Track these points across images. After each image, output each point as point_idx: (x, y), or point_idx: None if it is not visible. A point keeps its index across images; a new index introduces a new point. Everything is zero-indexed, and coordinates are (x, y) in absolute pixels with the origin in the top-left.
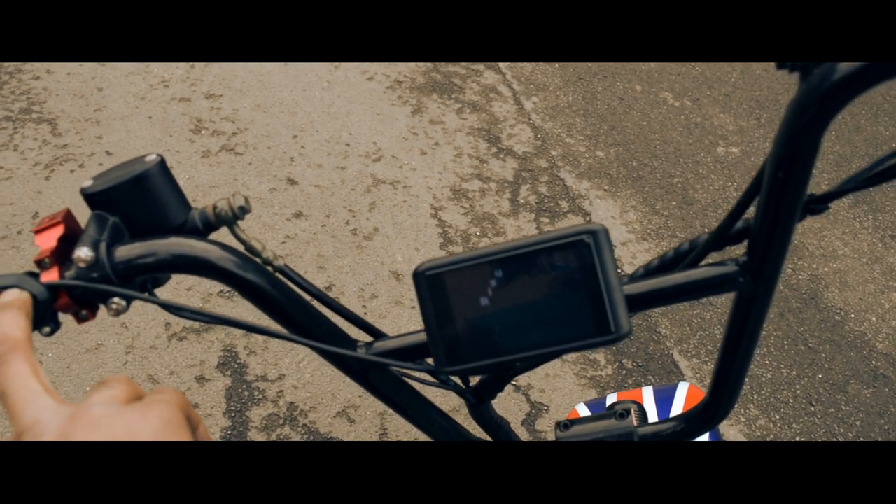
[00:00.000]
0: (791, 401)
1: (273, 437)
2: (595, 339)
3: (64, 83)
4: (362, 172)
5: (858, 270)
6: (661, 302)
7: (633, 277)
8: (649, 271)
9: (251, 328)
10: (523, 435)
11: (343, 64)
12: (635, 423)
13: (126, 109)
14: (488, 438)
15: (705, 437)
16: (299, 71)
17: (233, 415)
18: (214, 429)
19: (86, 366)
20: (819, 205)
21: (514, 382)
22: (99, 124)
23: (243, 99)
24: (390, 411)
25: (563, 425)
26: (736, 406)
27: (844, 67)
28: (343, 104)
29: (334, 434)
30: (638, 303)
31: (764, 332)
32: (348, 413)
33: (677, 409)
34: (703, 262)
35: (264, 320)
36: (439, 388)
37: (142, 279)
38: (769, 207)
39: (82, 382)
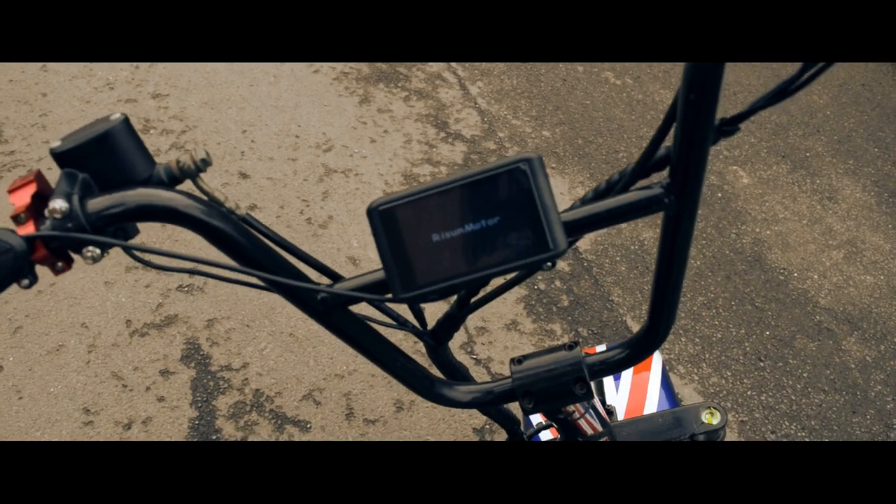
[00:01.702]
0: (741, 358)
1: (241, 424)
2: (536, 256)
3: (6, 90)
4: (313, 163)
5: (799, 232)
6: (597, 225)
7: (571, 208)
8: (585, 202)
9: (224, 267)
10: None
11: None
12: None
13: (72, 113)
14: (443, 377)
15: (665, 404)
16: (245, 67)
17: (199, 405)
18: (182, 420)
19: (48, 367)
20: (730, 126)
21: (474, 356)
22: (45, 129)
23: (190, 97)
24: (355, 391)
25: (517, 360)
26: (689, 365)
27: None
28: (291, 97)
29: (301, 417)
30: (576, 227)
31: (711, 295)
32: (314, 396)
33: None
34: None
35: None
36: (398, 329)
37: (112, 230)
38: (685, 130)
39: (45, 384)
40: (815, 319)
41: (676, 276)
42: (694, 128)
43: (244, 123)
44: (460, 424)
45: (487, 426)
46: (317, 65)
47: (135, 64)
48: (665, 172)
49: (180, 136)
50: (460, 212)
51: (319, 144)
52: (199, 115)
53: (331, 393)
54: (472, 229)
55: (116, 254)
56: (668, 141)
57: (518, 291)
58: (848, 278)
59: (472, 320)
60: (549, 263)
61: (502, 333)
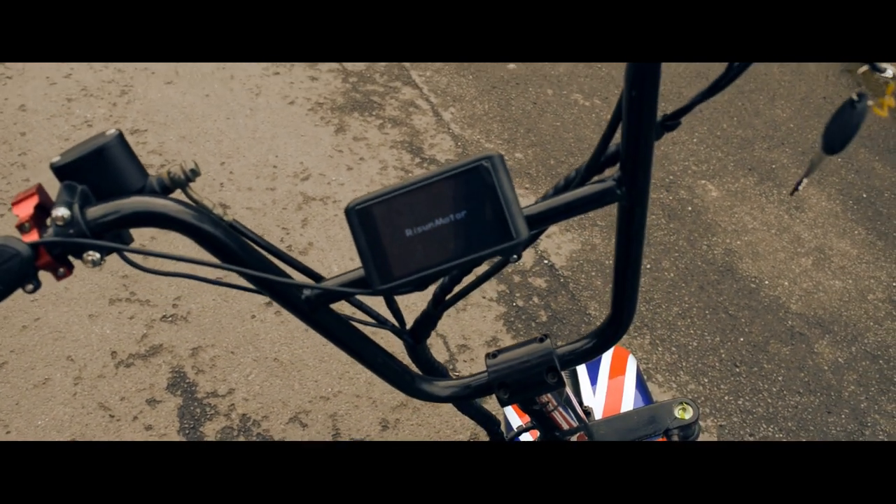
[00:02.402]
0: (717, 364)
1: None
2: (500, 245)
3: None
4: (292, 192)
5: (768, 241)
6: (558, 217)
7: (533, 203)
8: (545, 198)
9: (214, 266)
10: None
11: (264, 90)
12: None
13: (51, 151)
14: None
15: (641, 404)
16: (221, 101)
17: (187, 432)
18: None
19: (35, 401)
20: (672, 121)
21: (456, 373)
22: (25, 167)
23: (168, 132)
24: (341, 412)
25: (492, 354)
26: (666, 373)
27: None
28: (268, 129)
29: (288, 440)
30: (538, 220)
31: (686, 305)
32: (300, 418)
33: (605, 365)
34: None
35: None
36: (379, 327)
37: (110, 237)
38: (630, 126)
39: (32, 418)
40: (787, 325)
41: (634, 266)
42: (638, 123)
43: (222, 155)
44: (446, 440)
45: (474, 437)
46: (292, 96)
47: (112, 101)
48: (617, 168)
49: (159, 171)
50: (430, 207)
51: (297, 173)
52: (177, 149)
53: (317, 415)
54: (441, 223)
55: (99, 287)
56: (618, 139)
57: (497, 309)
58: (817, 284)
59: (454, 339)
60: (515, 256)
61: (483, 350)
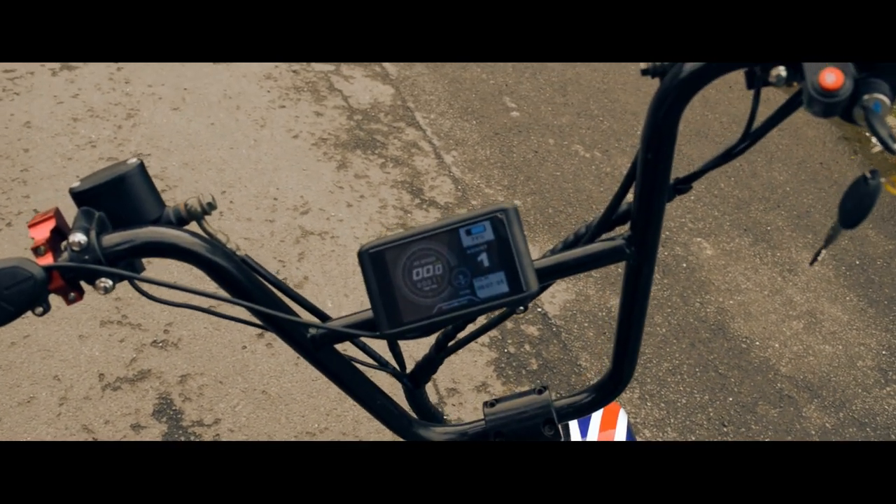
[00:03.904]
0: (705, 423)
1: None
2: (510, 297)
3: None
4: (290, 225)
5: (761, 302)
6: (566, 272)
7: (542, 256)
8: (555, 252)
9: (222, 300)
10: None
11: (269, 122)
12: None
13: (53, 169)
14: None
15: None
16: (226, 130)
17: None
18: None
19: (18, 419)
20: (684, 185)
21: (444, 416)
22: (26, 184)
23: (171, 157)
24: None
25: (490, 403)
26: (654, 429)
27: (689, 66)
28: (270, 161)
29: None
30: (547, 273)
31: (676, 361)
32: None
33: (595, 419)
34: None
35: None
36: (380, 370)
37: (123, 264)
38: (644, 186)
39: (14, 436)
40: (776, 387)
41: (637, 323)
42: (651, 185)
43: (223, 184)
44: None
45: None
46: (296, 130)
47: (117, 123)
48: (627, 227)
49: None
50: (444, 255)
51: (297, 207)
52: (179, 175)
53: None
54: (453, 272)
55: (92, 308)
56: (630, 198)
57: (488, 354)
58: (808, 347)
59: (443, 382)
60: (522, 307)
61: (472, 395)
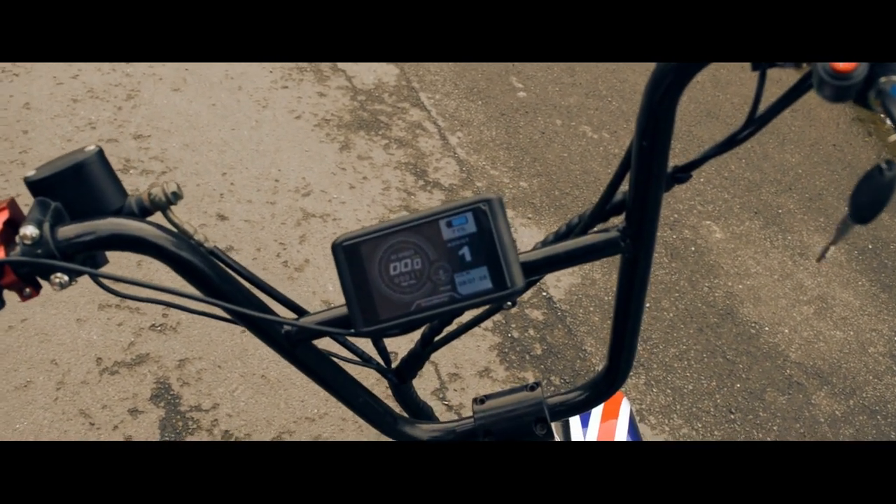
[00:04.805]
0: (712, 409)
1: None
2: (494, 294)
3: None
4: (292, 207)
5: (770, 287)
6: (556, 266)
7: (531, 249)
8: (545, 244)
9: (189, 297)
10: None
11: (271, 103)
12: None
13: (53, 151)
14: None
15: (626, 439)
16: (227, 111)
17: None
18: None
19: (14, 404)
20: (683, 173)
21: (446, 402)
22: (24, 166)
23: (171, 139)
24: (325, 434)
25: (479, 400)
26: (660, 416)
27: None
28: (272, 142)
29: None
30: (535, 268)
31: (683, 347)
32: (283, 439)
33: (597, 408)
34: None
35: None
36: (363, 366)
37: (82, 258)
38: (639, 175)
39: (11, 421)
40: (785, 373)
41: (634, 318)
42: (647, 174)
43: (224, 166)
44: None
45: None
46: (298, 111)
47: (118, 105)
48: (622, 218)
49: (160, 177)
50: (423, 248)
51: (299, 189)
52: (179, 157)
53: (300, 436)
54: (433, 266)
55: (90, 292)
56: (625, 186)
57: (491, 339)
58: (818, 333)
59: (445, 367)
60: (509, 302)
61: (475, 380)
